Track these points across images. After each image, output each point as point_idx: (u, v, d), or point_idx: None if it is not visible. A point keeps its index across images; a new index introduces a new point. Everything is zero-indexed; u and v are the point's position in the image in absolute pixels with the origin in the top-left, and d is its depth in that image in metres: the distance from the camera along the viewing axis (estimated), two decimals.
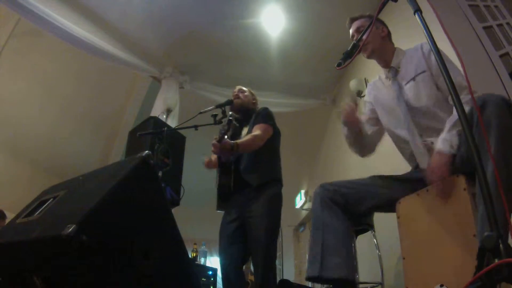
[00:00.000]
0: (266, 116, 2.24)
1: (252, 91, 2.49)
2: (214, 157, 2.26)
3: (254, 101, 2.44)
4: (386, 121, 1.69)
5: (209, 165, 2.29)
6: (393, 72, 1.64)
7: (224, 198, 2.19)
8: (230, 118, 1.95)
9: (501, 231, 0.75)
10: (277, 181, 2.21)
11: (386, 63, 1.68)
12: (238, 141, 2.03)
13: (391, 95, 1.63)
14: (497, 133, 1.10)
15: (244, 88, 2.45)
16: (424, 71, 1.53)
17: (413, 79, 1.55)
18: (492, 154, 1.07)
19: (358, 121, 1.66)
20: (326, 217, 1.46)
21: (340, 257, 1.38)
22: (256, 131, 2.13)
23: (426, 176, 1.34)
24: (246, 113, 2.35)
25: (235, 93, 2.40)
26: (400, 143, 1.63)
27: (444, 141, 1.33)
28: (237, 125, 2.34)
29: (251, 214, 2.05)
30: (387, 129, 1.70)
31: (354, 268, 1.44)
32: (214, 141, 1.94)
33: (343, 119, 1.66)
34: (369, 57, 1.69)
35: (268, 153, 2.20)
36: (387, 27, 1.72)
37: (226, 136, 1.94)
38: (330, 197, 1.50)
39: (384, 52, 1.68)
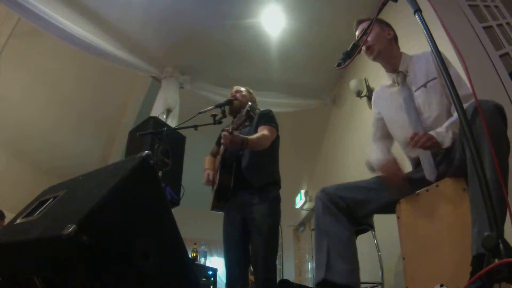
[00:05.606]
0: (271, 118, 2.24)
1: (250, 90, 2.47)
2: (211, 173, 2.27)
3: (252, 100, 2.42)
4: (394, 134, 1.67)
5: (209, 183, 2.27)
6: (402, 77, 1.60)
7: (221, 198, 2.17)
8: (248, 109, 1.92)
9: (500, 231, 0.75)
10: (277, 184, 2.22)
11: (392, 68, 1.64)
12: (249, 137, 2.00)
13: (398, 103, 1.59)
14: (489, 142, 1.09)
15: (241, 88, 2.44)
16: (435, 78, 1.50)
17: (424, 85, 1.52)
18: (484, 162, 1.07)
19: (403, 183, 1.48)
20: (330, 223, 1.45)
21: (347, 264, 1.37)
22: (264, 131, 2.13)
23: (410, 137, 1.34)
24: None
25: (232, 94, 2.40)
26: (408, 153, 1.62)
27: (438, 134, 1.33)
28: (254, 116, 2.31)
29: (253, 216, 2.05)
30: (396, 140, 1.69)
31: (359, 277, 1.42)
32: (226, 132, 1.90)
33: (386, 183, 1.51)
34: (375, 59, 1.65)
35: (270, 155, 2.21)
36: (393, 30, 1.69)
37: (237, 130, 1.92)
38: (332, 201, 1.48)
39: (391, 55, 1.64)
